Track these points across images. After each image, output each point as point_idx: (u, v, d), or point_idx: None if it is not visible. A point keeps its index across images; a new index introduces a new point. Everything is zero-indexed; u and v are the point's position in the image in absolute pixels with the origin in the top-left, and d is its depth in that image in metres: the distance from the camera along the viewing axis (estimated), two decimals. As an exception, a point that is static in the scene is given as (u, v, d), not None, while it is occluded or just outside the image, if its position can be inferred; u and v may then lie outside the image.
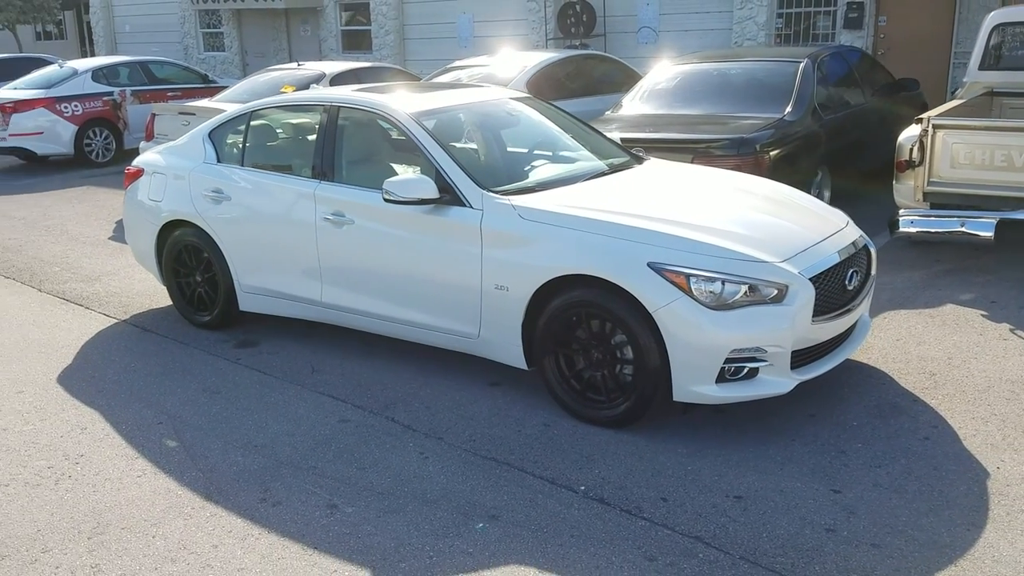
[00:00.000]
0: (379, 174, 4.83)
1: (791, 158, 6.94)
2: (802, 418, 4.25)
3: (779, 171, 6.73)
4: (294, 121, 5.61)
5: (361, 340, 5.38)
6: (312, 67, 10.79)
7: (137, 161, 6.16)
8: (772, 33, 13.63)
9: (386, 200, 4.49)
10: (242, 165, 5.49)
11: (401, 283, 4.72)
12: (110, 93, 13.69)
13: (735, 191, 4.81)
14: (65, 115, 13.19)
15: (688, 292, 3.86)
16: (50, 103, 13.12)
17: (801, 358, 4.11)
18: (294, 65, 11.05)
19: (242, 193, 5.37)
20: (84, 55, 29.20)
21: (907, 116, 9.11)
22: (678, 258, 3.93)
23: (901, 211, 6.57)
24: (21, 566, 3.23)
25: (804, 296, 3.97)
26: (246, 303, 5.54)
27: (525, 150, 5.39)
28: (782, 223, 4.40)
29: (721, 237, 4.07)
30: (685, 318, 3.86)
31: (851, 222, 4.76)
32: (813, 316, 4.04)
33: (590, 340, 4.17)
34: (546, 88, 9.17)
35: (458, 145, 5.19)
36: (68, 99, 13.29)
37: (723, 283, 3.88)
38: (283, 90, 9.64)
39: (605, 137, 5.67)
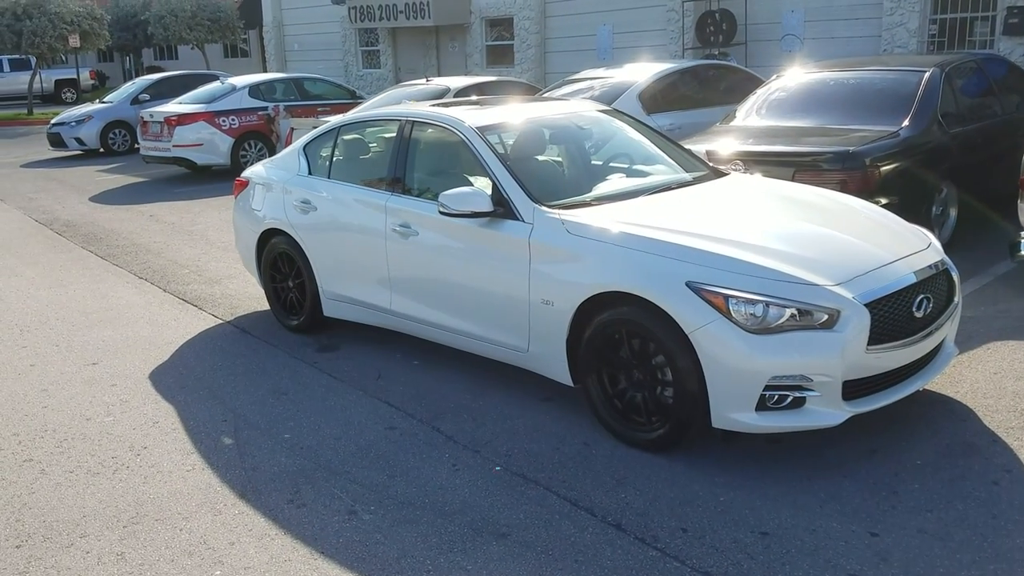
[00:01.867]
0: (445, 187, 4.90)
1: (906, 173, 6.50)
2: (861, 453, 3.97)
3: (891, 187, 6.34)
4: (376, 135, 5.79)
5: (431, 349, 5.47)
6: (439, 82, 11.09)
7: (245, 172, 6.54)
8: (924, 40, 12.80)
9: (441, 213, 4.56)
10: (328, 177, 5.72)
11: (459, 294, 4.77)
12: (265, 108, 14.57)
13: (809, 208, 4.56)
14: (223, 128, 14.14)
15: (726, 314, 3.70)
16: (210, 117, 14.11)
17: (858, 388, 3.85)
18: (423, 81, 11.38)
19: (326, 204, 5.59)
20: (265, 71, 31.26)
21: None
22: (718, 278, 3.78)
23: (1023, 233, 6.02)
24: (58, 549, 3.49)
25: (858, 323, 3.71)
26: (329, 309, 5.76)
27: (600, 163, 5.34)
28: (849, 242, 4.13)
29: (770, 256, 3.87)
30: (722, 340, 3.70)
31: (934, 243, 4.41)
32: (871, 344, 3.77)
33: (632, 359, 4.07)
34: (661, 99, 9.02)
35: (540, 158, 5.21)
36: (226, 113, 14.24)
37: (766, 305, 3.69)
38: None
39: (685, 151, 5.51)
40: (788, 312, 3.69)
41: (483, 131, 4.90)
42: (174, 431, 4.54)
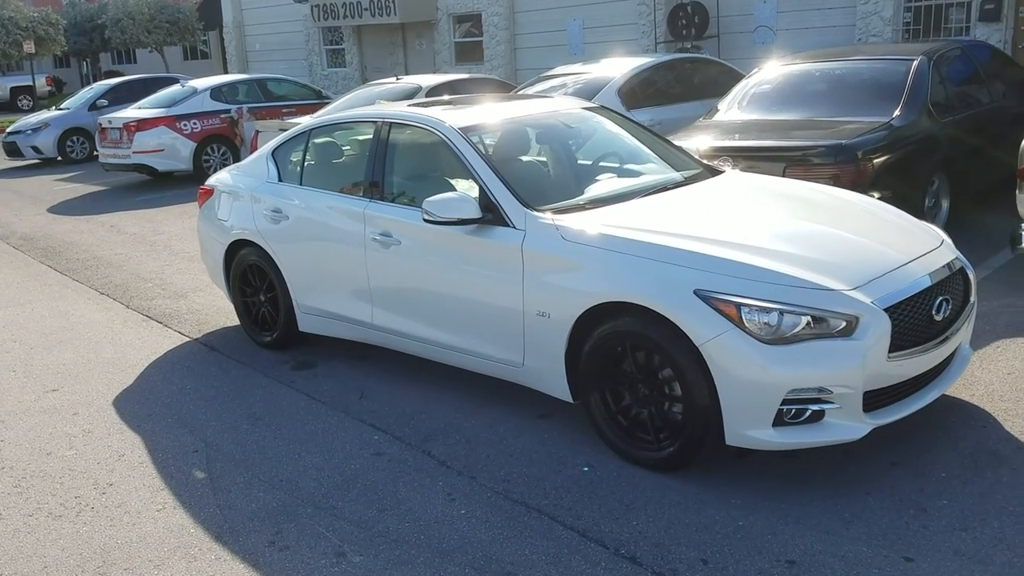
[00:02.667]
0: (427, 193, 4.60)
1: (900, 165, 6.30)
2: (881, 467, 3.73)
3: (885, 180, 6.13)
4: (351, 138, 5.47)
5: (415, 365, 5.16)
6: (409, 80, 10.76)
7: (210, 180, 6.18)
8: (899, 28, 12.68)
9: (426, 220, 4.25)
10: (300, 184, 5.39)
11: (447, 307, 4.47)
12: (227, 110, 14.13)
13: (813, 206, 4.32)
14: (184, 132, 13.70)
15: (739, 324, 3.44)
16: (171, 121, 13.65)
17: (878, 399, 3.61)
18: (392, 79, 11.05)
19: (298, 212, 5.26)
20: (226, 73, 30.64)
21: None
22: (729, 285, 3.51)
23: (1025, 224, 5.83)
24: (15, 606, 3.16)
25: (878, 329, 3.47)
26: (305, 324, 5.43)
27: (589, 162, 5.06)
28: (862, 243, 3.89)
29: (782, 261, 3.61)
30: (735, 353, 3.43)
31: (947, 240, 4.18)
32: (891, 351, 3.53)
33: (636, 374, 3.80)
34: (640, 94, 8.76)
35: (524, 159, 4.92)
36: (188, 117, 13.79)
37: (780, 314, 3.43)
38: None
39: (677, 148, 5.25)
40: (804, 320, 3.43)
41: (466, 132, 4.60)
42: (141, 465, 4.20)
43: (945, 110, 6.90)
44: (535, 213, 4.12)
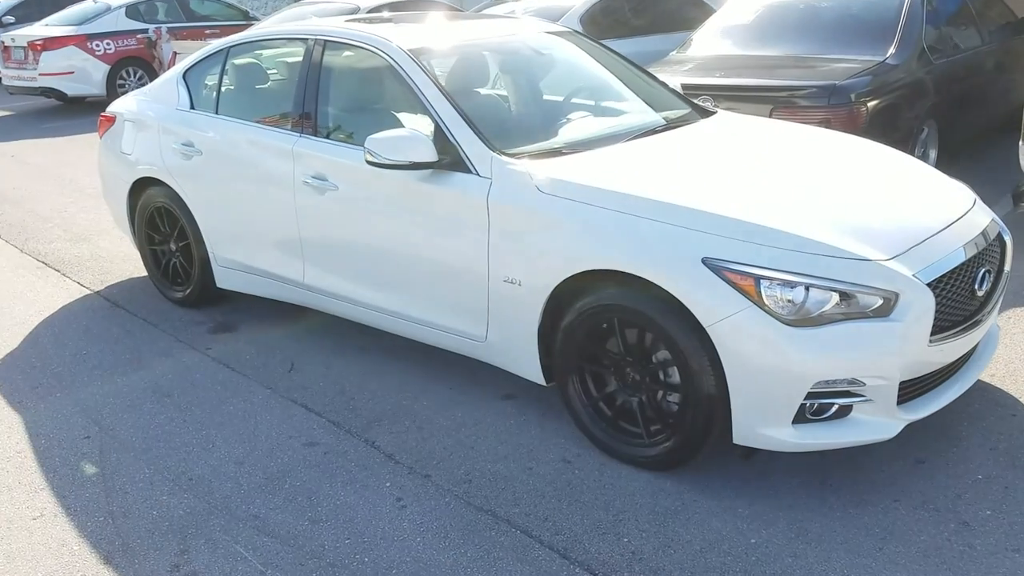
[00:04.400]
0: (369, 128, 3.84)
1: (893, 111, 5.71)
2: (907, 465, 3.18)
3: (878, 127, 5.53)
4: (277, 60, 4.63)
5: (355, 331, 4.44)
6: (347, 0, 9.78)
7: (112, 106, 5.28)
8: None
9: (369, 162, 3.50)
10: (216, 113, 4.55)
11: (393, 267, 3.75)
12: (145, 30, 12.93)
13: (827, 157, 3.68)
14: (97, 53, 12.48)
15: (758, 301, 2.80)
16: (81, 41, 12.41)
17: (909, 389, 3.03)
18: (327, -1, 10.05)
19: (213, 147, 4.44)
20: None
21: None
22: (746, 253, 2.86)
23: (1030, 179, 5.33)
24: None
25: (920, 307, 2.87)
26: (223, 279, 4.65)
27: (560, 99, 4.33)
28: (891, 204, 3.27)
29: (807, 223, 2.98)
30: (753, 336, 2.80)
31: (978, 200, 3.60)
32: (933, 334, 2.95)
33: (625, 355, 3.16)
34: (605, 24, 8.00)
35: (485, 92, 4.18)
36: (101, 36, 12.57)
37: (806, 288, 2.81)
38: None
39: (662, 83, 4.55)
40: (833, 297, 2.82)
41: (417, 54, 3.83)
42: (18, 455, 3.43)
43: (937, 51, 6.32)
44: (504, 158, 3.40)
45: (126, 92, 12.54)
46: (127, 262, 5.73)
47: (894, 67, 5.81)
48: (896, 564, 2.68)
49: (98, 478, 3.25)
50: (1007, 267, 3.52)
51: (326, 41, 4.12)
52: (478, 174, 3.41)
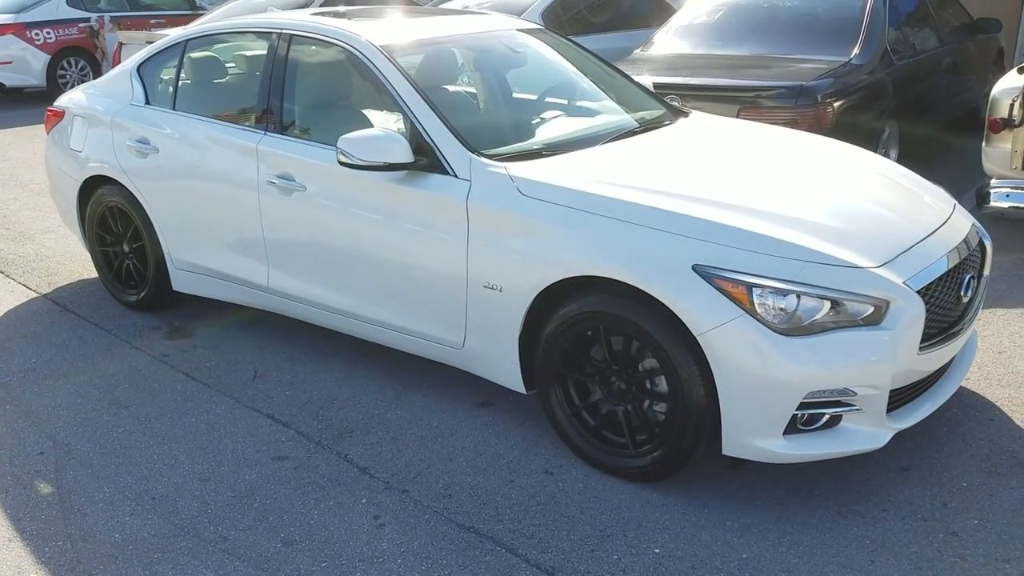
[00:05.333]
0: (336, 126, 3.70)
1: (857, 111, 5.72)
2: (891, 473, 3.15)
3: (843, 127, 5.53)
4: (238, 54, 4.44)
5: (322, 336, 4.29)
6: (299, -8, 9.53)
7: (61, 100, 5.03)
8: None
9: (342, 163, 3.35)
10: (173, 108, 4.34)
11: (366, 271, 3.61)
12: (87, 19, 12.47)
13: (806, 160, 3.64)
14: (36, 43, 12.01)
15: (750, 309, 2.74)
16: (20, 29, 11.92)
17: (897, 398, 3.00)
18: (280, -11, 9.78)
19: (170, 144, 4.24)
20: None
21: (980, 63, 7.87)
22: (737, 259, 2.79)
23: (993, 181, 5.37)
24: None
25: (910, 315, 2.83)
26: (180, 282, 4.45)
27: (534, 97, 4.22)
28: (876, 209, 3.24)
29: (796, 229, 2.92)
30: (745, 345, 2.73)
31: (958, 205, 3.58)
32: (922, 341, 2.91)
33: (610, 363, 3.07)
34: (566, 21, 7.91)
35: (457, 90, 4.05)
36: (40, 25, 12.09)
37: (798, 296, 2.75)
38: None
39: (636, 84, 4.47)
40: (825, 305, 2.76)
41: (389, 51, 3.69)
42: (-36, 474, 3.22)
43: (899, 52, 6.36)
44: (483, 160, 3.28)
45: (67, 83, 12.21)
46: (76, 262, 5.48)
47: (858, 67, 5.83)
48: (890, 577, 2.64)
49: (54, 498, 3.05)
50: (987, 271, 3.51)
51: (292, 35, 3.95)
52: (456, 176, 3.29)
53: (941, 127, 7.15)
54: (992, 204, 5.26)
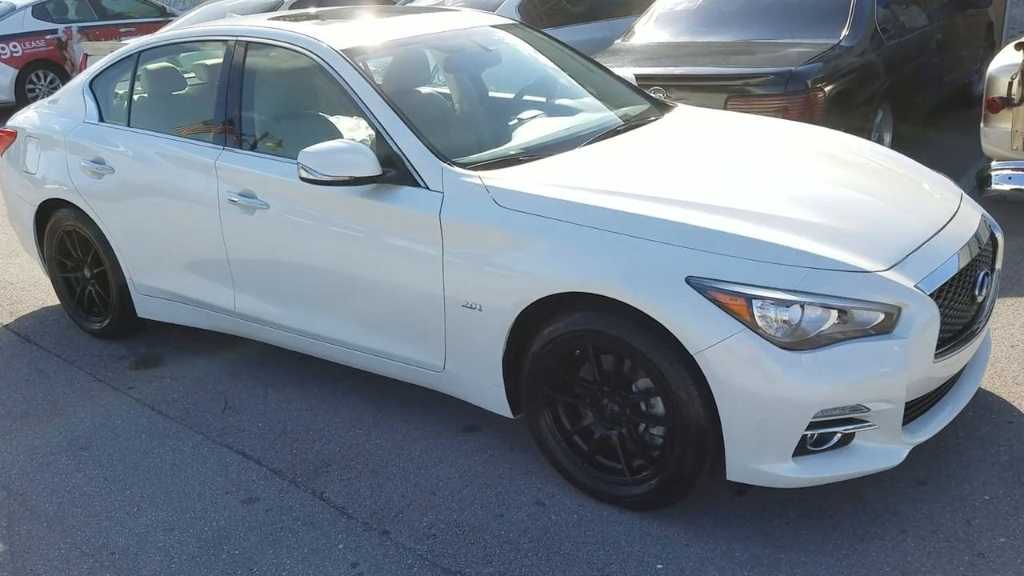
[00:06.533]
0: (300, 137, 3.46)
1: (849, 96, 5.50)
2: (908, 487, 2.93)
3: (835, 114, 5.32)
4: (194, 63, 4.19)
5: (295, 360, 4.05)
6: (269, -6, 9.27)
7: (13, 120, 4.77)
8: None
9: (303, 179, 3.10)
10: (128, 125, 4.09)
11: (336, 291, 3.37)
12: (54, 31, 12.18)
13: (802, 154, 3.40)
14: (3, 57, 11.74)
15: (751, 323, 2.51)
16: (-16, 43, 11.62)
17: (912, 409, 2.77)
18: (248, -8, 9.51)
19: (126, 163, 3.98)
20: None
21: (971, 38, 7.64)
22: (734, 269, 2.56)
23: (994, 163, 5.15)
24: None
25: (923, 321, 2.61)
26: (144, 308, 4.20)
27: (510, 97, 3.98)
28: (879, 205, 3.01)
29: (796, 232, 2.69)
30: (746, 362, 2.51)
31: (965, 196, 3.36)
32: (938, 348, 2.69)
33: (601, 384, 2.84)
34: (543, 12, 7.67)
35: (426, 92, 3.81)
36: (6, 39, 11.82)
37: (802, 307, 2.52)
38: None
39: (617, 78, 4.23)
40: (833, 314, 2.53)
41: (351, 55, 3.44)
42: (-93, 534, 2.97)
43: (888, 33, 6.13)
44: (456, 169, 3.04)
45: (37, 97, 11.89)
46: (38, 289, 5.22)
47: (848, 49, 5.60)
48: (915, 609, 2.42)
49: (6, 557, 2.81)
50: (998, 265, 3.29)
51: (248, 42, 3.70)
52: (428, 187, 3.05)
53: (934, 106, 6.94)
54: (994, 187, 5.05)
